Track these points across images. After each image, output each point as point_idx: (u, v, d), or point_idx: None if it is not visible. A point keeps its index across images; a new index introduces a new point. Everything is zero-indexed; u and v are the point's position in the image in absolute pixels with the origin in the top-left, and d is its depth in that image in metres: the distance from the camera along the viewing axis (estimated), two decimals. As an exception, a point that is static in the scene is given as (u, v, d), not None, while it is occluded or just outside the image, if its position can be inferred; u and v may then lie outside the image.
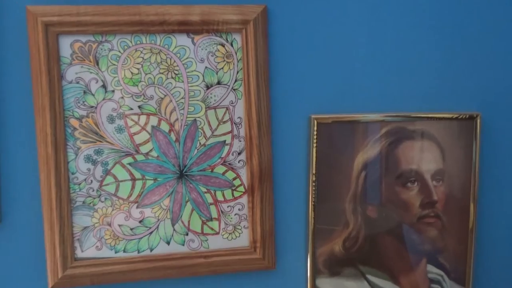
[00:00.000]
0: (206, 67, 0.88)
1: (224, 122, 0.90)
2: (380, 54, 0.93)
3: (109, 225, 0.89)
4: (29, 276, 0.89)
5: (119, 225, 0.89)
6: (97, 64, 0.85)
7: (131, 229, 0.89)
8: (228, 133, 0.90)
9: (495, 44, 0.96)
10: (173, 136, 0.89)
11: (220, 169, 0.91)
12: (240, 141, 0.90)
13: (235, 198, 0.92)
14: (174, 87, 0.88)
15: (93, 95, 0.86)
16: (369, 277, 0.96)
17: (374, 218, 0.95)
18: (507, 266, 1.02)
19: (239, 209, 0.92)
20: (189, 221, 0.91)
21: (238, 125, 0.90)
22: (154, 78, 0.87)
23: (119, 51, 0.85)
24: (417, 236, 0.96)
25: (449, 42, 0.94)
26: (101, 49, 0.85)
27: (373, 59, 0.93)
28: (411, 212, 0.95)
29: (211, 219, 0.91)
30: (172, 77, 0.87)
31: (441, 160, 0.95)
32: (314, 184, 0.92)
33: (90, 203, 0.88)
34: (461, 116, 0.94)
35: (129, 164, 0.88)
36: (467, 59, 0.95)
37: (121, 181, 0.88)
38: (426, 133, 0.94)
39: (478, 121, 0.94)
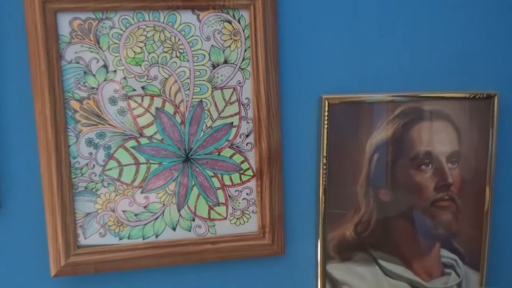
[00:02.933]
0: (212, 45, 0.84)
1: (231, 103, 0.86)
2: (393, 32, 0.89)
3: (113, 211, 0.86)
4: (31, 264, 0.86)
5: (123, 211, 0.86)
6: (98, 42, 0.81)
7: (136, 215, 0.86)
8: (236, 114, 0.86)
9: (514, 19, 0.92)
10: (178, 118, 0.85)
11: (227, 152, 0.87)
12: (248, 123, 0.87)
13: (243, 182, 0.88)
14: (179, 67, 0.84)
15: (94, 75, 0.82)
16: (381, 262, 0.93)
17: (387, 202, 0.92)
18: (521, 250, 1.00)
19: (247, 194, 0.89)
20: (195, 206, 0.88)
21: (246, 106, 0.86)
22: (158, 57, 0.83)
23: (121, 29, 0.81)
24: (430, 220, 0.93)
25: (465, 17, 0.90)
26: (102, 27, 0.81)
27: (386, 37, 0.89)
28: (425, 195, 0.92)
29: (218, 204, 0.88)
30: (176, 56, 0.83)
31: (456, 142, 0.91)
32: (324, 167, 0.89)
33: (92, 188, 0.85)
34: (477, 96, 0.90)
35: (133, 147, 0.84)
36: (483, 35, 0.91)
37: (125, 165, 0.85)
38: (441, 114, 0.90)
39: (496, 100, 0.91)
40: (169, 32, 0.82)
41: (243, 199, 0.89)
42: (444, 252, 0.95)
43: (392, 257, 0.94)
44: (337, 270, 0.93)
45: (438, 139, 0.90)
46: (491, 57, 0.92)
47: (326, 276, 0.92)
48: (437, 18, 0.90)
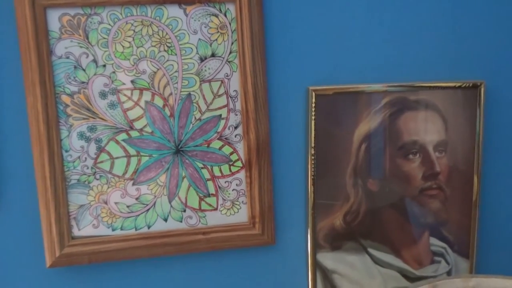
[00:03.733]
0: (199, 39, 0.85)
1: (220, 96, 0.87)
2: (380, 22, 0.90)
3: (105, 203, 0.87)
4: (26, 256, 0.88)
5: (116, 203, 0.88)
6: (87, 38, 0.83)
7: (128, 206, 0.88)
8: (224, 106, 0.88)
9: (499, 8, 0.92)
10: (167, 111, 0.86)
11: (216, 144, 0.89)
12: (237, 115, 0.88)
13: (233, 173, 0.90)
14: (167, 60, 0.85)
15: (84, 70, 0.84)
16: (371, 250, 0.94)
17: (375, 191, 0.93)
18: (511, 238, 1.00)
19: (236, 185, 0.90)
20: (186, 198, 0.89)
21: (234, 98, 0.88)
22: (146, 51, 0.84)
23: (109, 24, 0.83)
24: (419, 208, 0.94)
25: (451, 7, 0.91)
26: (91, 22, 0.82)
27: (372, 28, 0.89)
28: (413, 184, 0.93)
29: (208, 195, 0.90)
30: (164, 50, 0.85)
31: (443, 131, 0.92)
32: (313, 157, 0.90)
33: (85, 181, 0.86)
34: (464, 85, 0.91)
35: (123, 140, 0.86)
36: (470, 25, 0.92)
37: (116, 158, 0.87)
38: (428, 103, 0.91)
39: (482, 89, 0.91)
40: (157, 27, 0.84)
41: (233, 190, 0.90)
42: (433, 240, 0.96)
43: (381, 245, 0.95)
44: (328, 259, 0.94)
45: (425, 128, 0.91)
46: (477, 46, 0.92)
47: (316, 265, 0.94)
48: (423, 7, 0.90)
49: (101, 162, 0.86)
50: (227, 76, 0.87)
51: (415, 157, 0.92)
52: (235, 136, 0.89)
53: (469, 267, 0.97)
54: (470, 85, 0.91)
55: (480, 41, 0.92)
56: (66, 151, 0.85)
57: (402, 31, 0.90)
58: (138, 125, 0.86)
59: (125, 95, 0.85)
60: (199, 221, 0.90)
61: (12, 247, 0.87)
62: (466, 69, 0.93)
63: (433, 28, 0.91)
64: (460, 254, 0.97)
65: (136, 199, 0.88)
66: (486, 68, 0.93)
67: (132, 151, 0.87)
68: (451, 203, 0.95)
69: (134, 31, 0.84)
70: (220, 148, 0.89)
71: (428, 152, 0.92)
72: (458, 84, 0.91)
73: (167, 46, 0.85)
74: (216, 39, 0.85)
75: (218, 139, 0.88)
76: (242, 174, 0.90)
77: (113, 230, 0.88)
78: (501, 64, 0.93)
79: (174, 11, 0.84)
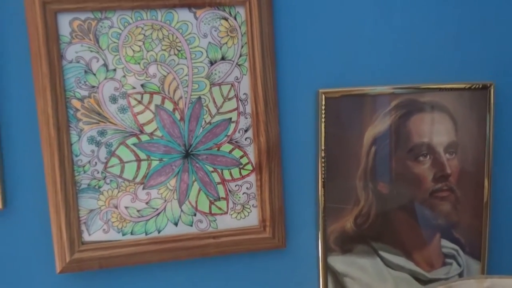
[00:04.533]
0: (209, 42, 0.85)
1: (230, 99, 0.87)
2: (389, 24, 0.90)
3: (116, 207, 0.87)
4: (37, 261, 0.87)
5: (126, 207, 0.87)
6: (98, 42, 0.83)
7: (138, 211, 0.88)
8: (234, 110, 0.88)
9: (508, 9, 0.92)
10: (177, 115, 0.86)
11: (226, 147, 0.88)
12: (247, 118, 0.88)
13: (243, 177, 0.90)
14: (177, 64, 0.85)
15: (94, 74, 0.84)
16: (382, 253, 0.94)
17: (386, 194, 0.92)
18: (522, 240, 1.00)
19: (247, 188, 0.90)
20: (196, 202, 0.89)
21: (244, 101, 0.88)
22: (157, 55, 0.84)
23: (120, 28, 0.83)
24: (430, 210, 0.94)
25: (460, 8, 0.91)
26: (101, 26, 0.82)
27: (381, 30, 0.90)
28: (424, 186, 0.93)
29: (219, 199, 0.90)
30: (175, 54, 0.85)
31: (453, 132, 0.92)
32: (323, 160, 0.90)
33: (95, 185, 0.86)
34: (473, 86, 0.91)
35: (134, 144, 0.86)
36: (479, 26, 0.92)
37: (126, 162, 0.86)
38: (437, 105, 0.91)
39: (492, 90, 0.91)
40: (167, 30, 0.84)
41: (243, 194, 0.90)
42: (445, 242, 0.95)
43: (392, 248, 0.94)
44: (339, 262, 0.93)
45: (435, 130, 0.91)
46: (487, 47, 0.93)
47: (327, 268, 0.93)
48: (432, 9, 0.90)
49: (112, 166, 0.86)
50: (237, 79, 0.87)
51: (425, 159, 0.92)
52: (245, 139, 0.89)
53: (481, 269, 0.96)
54: (480, 86, 0.91)
55: (489, 42, 0.93)
56: (76, 155, 0.85)
57: (411, 32, 0.90)
58: (148, 129, 0.86)
59: (135, 99, 0.85)
60: (210, 225, 0.90)
61: (22, 252, 0.87)
62: (476, 70, 0.93)
63: (442, 29, 0.91)
64: (472, 256, 0.96)
65: (146, 203, 0.88)
66: (495, 69, 0.93)
67: (142, 155, 0.87)
68: (462, 205, 0.94)
69: (144, 35, 0.84)
70: (230, 152, 0.89)
71: (439, 153, 0.92)
72: (467, 86, 0.91)
73: (177, 49, 0.85)
74: (226, 43, 0.86)
75: (228, 142, 0.88)
76: (252, 178, 0.90)
77: (123, 235, 0.88)
78: (510, 65, 0.93)
79: (184, 15, 0.84)
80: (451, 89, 0.91)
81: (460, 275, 0.96)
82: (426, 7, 0.90)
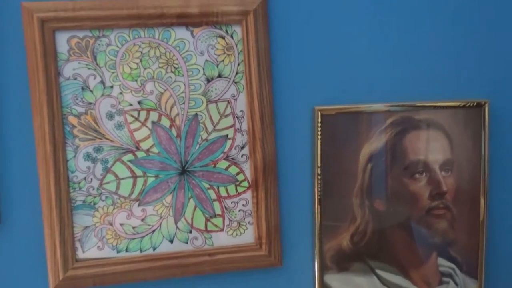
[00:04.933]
0: (206, 60, 0.86)
1: (226, 116, 0.88)
2: (384, 42, 0.91)
3: (111, 224, 0.87)
4: (30, 278, 0.87)
5: (121, 224, 0.87)
6: (95, 59, 0.83)
7: (133, 227, 0.87)
8: (230, 127, 0.88)
9: (503, 27, 0.93)
10: (174, 132, 0.87)
11: (223, 164, 0.88)
12: (243, 135, 0.88)
13: (239, 194, 0.89)
14: (174, 81, 0.86)
15: (91, 91, 0.84)
16: (379, 272, 0.93)
17: (382, 212, 0.92)
18: (519, 258, 1.00)
19: (243, 205, 0.90)
20: (192, 218, 0.89)
21: (240, 118, 0.88)
22: (154, 72, 0.85)
23: (117, 46, 0.84)
24: (426, 228, 0.93)
25: (455, 27, 0.92)
26: (99, 44, 0.83)
27: (377, 48, 0.91)
28: (420, 204, 0.92)
29: (215, 216, 0.89)
30: (171, 71, 0.85)
31: (449, 150, 0.92)
32: (319, 177, 0.90)
33: (90, 202, 0.86)
34: (468, 104, 0.92)
35: (130, 161, 0.86)
36: (474, 44, 0.93)
37: (122, 178, 0.86)
38: (433, 122, 0.91)
39: (487, 108, 0.92)
40: (164, 48, 0.85)
41: (239, 211, 0.90)
42: (442, 261, 0.95)
43: (389, 266, 0.94)
44: (335, 280, 0.93)
45: (430, 147, 0.92)
46: (482, 65, 0.93)
47: (323, 286, 0.93)
48: (427, 27, 0.92)
49: (107, 183, 0.86)
50: (234, 96, 0.88)
51: (421, 177, 0.92)
52: (242, 156, 0.89)
53: (478, 288, 0.96)
54: (475, 104, 0.92)
55: (485, 60, 0.93)
56: (72, 172, 0.85)
57: (406, 50, 0.91)
58: (144, 145, 0.86)
59: (132, 115, 0.85)
60: (205, 242, 0.90)
61: (16, 269, 0.86)
62: (471, 88, 0.93)
63: (437, 47, 0.92)
64: (469, 275, 0.96)
65: (142, 220, 0.87)
66: (490, 87, 0.94)
67: (138, 172, 0.86)
68: (458, 223, 0.94)
69: (141, 52, 0.84)
70: (226, 169, 0.89)
71: (434, 171, 0.92)
72: (462, 104, 0.92)
73: (174, 67, 0.85)
74: (223, 60, 0.86)
75: (224, 159, 0.88)
76: (248, 195, 0.90)
77: (118, 252, 0.87)
78: (505, 84, 0.94)
79: (181, 33, 0.85)
80: (446, 107, 0.91)
81: (457, 294, 0.95)
82: (422, 25, 0.91)
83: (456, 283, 0.95)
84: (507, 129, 0.95)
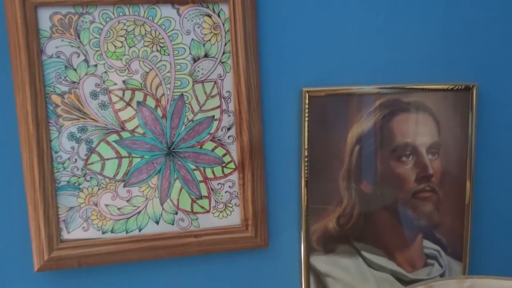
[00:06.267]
0: (192, 39, 0.84)
1: (213, 97, 0.87)
2: (374, 24, 0.90)
3: (96, 205, 0.86)
4: (14, 259, 0.86)
5: (106, 205, 0.86)
6: (78, 37, 0.82)
7: (119, 208, 0.87)
8: (217, 108, 0.87)
9: (491, 11, 0.92)
10: (159, 112, 0.85)
11: (209, 145, 0.88)
12: (230, 116, 0.87)
13: (225, 175, 0.89)
14: (160, 61, 0.84)
15: (75, 70, 0.82)
16: (364, 253, 0.94)
17: (369, 194, 0.92)
18: (504, 241, 1.01)
19: (229, 187, 0.89)
20: (178, 200, 0.88)
21: (227, 99, 0.87)
22: (139, 51, 0.83)
23: (101, 24, 0.82)
24: (412, 211, 0.94)
25: (444, 9, 0.91)
26: (82, 21, 0.81)
27: (366, 30, 0.90)
28: (407, 187, 0.93)
29: (201, 197, 0.89)
30: (157, 50, 0.84)
31: (436, 133, 0.92)
32: (306, 159, 0.89)
33: (75, 182, 0.85)
34: (456, 87, 0.91)
35: (115, 141, 0.85)
36: (463, 27, 0.92)
37: (107, 159, 0.85)
38: (421, 105, 0.91)
39: (474, 92, 0.92)
40: (150, 26, 0.83)
41: (225, 192, 0.89)
42: (427, 243, 0.95)
43: (375, 248, 0.94)
44: (321, 262, 0.93)
45: (418, 130, 0.91)
46: (470, 48, 0.93)
47: (310, 268, 0.93)
48: (416, 10, 0.90)
49: (92, 163, 0.85)
50: (220, 77, 0.86)
51: (408, 159, 0.92)
52: (228, 138, 0.88)
53: (463, 270, 0.97)
54: (463, 87, 0.91)
55: (473, 43, 0.93)
56: (56, 152, 0.84)
57: (396, 32, 0.90)
58: (129, 126, 0.85)
59: (116, 95, 0.84)
60: (191, 223, 0.89)
61: (-1, 250, 0.86)
62: (459, 71, 0.93)
63: (425, 30, 0.91)
64: (453, 257, 0.96)
65: (127, 201, 0.87)
66: (478, 71, 0.93)
67: (123, 153, 0.85)
68: (444, 206, 0.94)
69: (126, 30, 0.83)
70: (212, 150, 0.88)
71: (421, 154, 0.92)
72: (450, 87, 0.91)
73: (159, 46, 0.84)
74: (209, 40, 0.85)
75: (210, 140, 0.88)
76: (235, 176, 0.89)
77: (103, 233, 0.87)
78: (493, 67, 0.94)
79: (167, 11, 0.83)
80: (435, 89, 0.91)
81: (442, 275, 0.96)
82: (411, 8, 0.90)
83: (441, 265, 0.96)
84: (494, 112, 0.95)
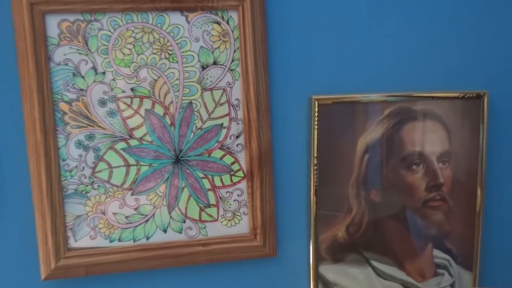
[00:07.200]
0: (201, 46, 0.84)
1: (221, 104, 0.86)
2: (383, 31, 0.89)
3: (103, 213, 0.85)
4: (21, 268, 0.85)
5: (114, 213, 0.85)
6: (87, 44, 0.81)
7: (126, 217, 0.86)
8: (226, 115, 0.86)
9: (503, 18, 0.92)
10: (168, 120, 0.85)
11: (217, 153, 0.87)
12: (238, 124, 0.87)
13: (234, 184, 0.88)
14: (168, 68, 0.83)
15: (83, 77, 0.82)
16: (374, 263, 0.93)
17: (378, 203, 0.91)
18: (514, 250, 1.00)
19: (238, 195, 0.88)
20: (186, 208, 0.87)
21: (235, 107, 0.86)
22: (147, 58, 0.83)
23: (109, 31, 0.81)
24: (422, 220, 0.93)
25: (454, 16, 0.90)
26: (90, 28, 0.81)
27: (375, 37, 0.89)
28: (416, 196, 0.92)
29: (209, 206, 0.88)
30: (165, 58, 0.83)
31: (447, 142, 0.91)
32: (315, 168, 0.88)
33: (82, 190, 0.84)
34: (467, 95, 0.90)
35: (123, 149, 0.84)
36: (474, 35, 0.91)
37: (115, 167, 0.84)
38: (431, 114, 0.90)
39: (485, 100, 0.91)
40: (158, 34, 0.82)
41: (234, 201, 0.89)
42: (437, 253, 0.94)
43: (384, 258, 0.93)
44: (330, 271, 0.92)
45: (428, 139, 0.90)
46: (481, 56, 0.92)
47: (318, 277, 0.92)
48: (426, 17, 0.90)
49: (99, 171, 0.84)
50: (229, 84, 0.86)
51: (419, 168, 0.91)
52: (237, 146, 0.87)
53: (473, 280, 0.96)
54: (473, 95, 0.90)
55: (484, 51, 0.92)
56: (63, 160, 0.83)
57: (404, 40, 0.90)
58: (137, 133, 0.84)
59: (124, 103, 0.83)
60: (199, 232, 0.88)
61: (7, 258, 0.85)
62: (470, 79, 0.92)
63: (436, 37, 0.90)
64: (464, 267, 0.95)
65: (135, 209, 0.86)
66: (489, 78, 0.92)
67: (131, 160, 0.85)
68: (454, 215, 0.93)
69: (134, 38, 0.82)
70: (221, 158, 0.87)
71: (431, 163, 0.91)
72: (461, 95, 0.90)
73: (168, 53, 0.83)
74: (218, 47, 0.84)
75: (219, 148, 0.87)
76: (243, 185, 0.88)
77: (110, 241, 0.86)
78: (504, 75, 0.93)
79: (176, 18, 0.82)
80: (445, 97, 0.90)
81: (452, 285, 0.95)
82: (421, 14, 0.89)
83: (451, 275, 0.95)
84: (505, 120, 0.94)
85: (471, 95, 0.90)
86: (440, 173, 0.91)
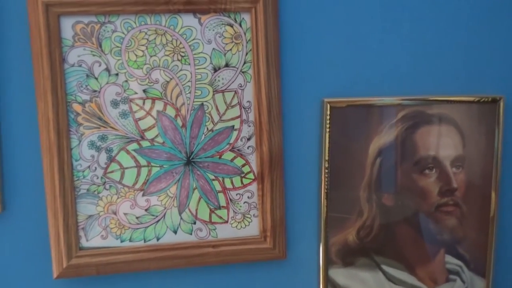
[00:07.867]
0: (213, 48, 0.84)
1: (233, 107, 0.86)
2: (397, 34, 0.88)
3: (115, 213, 0.86)
4: (33, 266, 0.86)
5: (125, 214, 0.86)
6: (100, 46, 0.82)
7: (137, 217, 0.86)
8: (237, 117, 0.86)
9: (520, 22, 0.90)
10: (179, 121, 0.85)
11: (228, 155, 0.87)
12: (250, 126, 0.87)
13: (244, 186, 0.88)
14: (180, 70, 0.84)
15: (96, 78, 0.82)
16: (384, 267, 0.92)
17: (390, 207, 0.91)
18: (529, 257, 0.98)
19: (248, 197, 0.88)
20: (196, 210, 0.88)
21: (247, 109, 0.86)
22: (160, 60, 0.83)
23: (123, 33, 0.82)
24: (435, 225, 0.92)
25: (470, 20, 0.89)
26: (104, 30, 0.81)
27: (389, 40, 0.88)
28: (429, 200, 0.91)
29: (219, 208, 0.88)
30: (178, 60, 0.83)
31: (461, 146, 0.90)
32: (327, 171, 0.88)
33: (94, 191, 0.85)
34: (482, 99, 0.89)
35: (134, 150, 0.85)
36: (490, 38, 0.90)
37: (126, 168, 0.85)
38: (445, 118, 0.89)
39: (501, 104, 0.89)
40: (171, 36, 0.83)
41: (244, 203, 0.89)
42: (449, 258, 0.93)
43: (395, 262, 0.92)
44: (340, 275, 0.92)
45: (442, 143, 0.89)
46: (497, 60, 0.90)
47: (328, 281, 0.92)
48: (442, 20, 0.89)
49: (111, 172, 0.85)
50: (241, 86, 0.86)
51: (432, 172, 0.90)
52: (248, 148, 0.87)
53: (486, 286, 0.94)
54: (489, 99, 0.89)
55: (500, 55, 0.90)
56: (76, 160, 0.84)
57: (419, 43, 0.89)
58: (149, 135, 0.85)
59: (137, 104, 0.84)
60: (209, 233, 0.89)
61: (19, 257, 0.86)
62: (485, 83, 0.91)
63: (451, 40, 0.89)
64: (476, 273, 0.94)
65: (146, 210, 0.87)
66: (505, 83, 0.91)
67: (142, 162, 0.85)
68: (467, 220, 0.92)
69: (147, 40, 0.82)
70: (232, 160, 0.87)
71: (445, 167, 0.90)
72: (476, 99, 0.89)
73: (180, 55, 0.83)
74: (231, 49, 0.84)
75: (230, 150, 0.87)
76: (254, 187, 0.88)
77: (121, 241, 0.87)
78: (521, 79, 0.92)
79: (188, 20, 0.82)
80: (460, 101, 0.89)
81: (464, 292, 0.94)
82: (436, 18, 0.88)
83: (463, 281, 0.94)
84: (522, 125, 0.93)
85: (486, 100, 0.89)
86: (454, 178, 0.90)
